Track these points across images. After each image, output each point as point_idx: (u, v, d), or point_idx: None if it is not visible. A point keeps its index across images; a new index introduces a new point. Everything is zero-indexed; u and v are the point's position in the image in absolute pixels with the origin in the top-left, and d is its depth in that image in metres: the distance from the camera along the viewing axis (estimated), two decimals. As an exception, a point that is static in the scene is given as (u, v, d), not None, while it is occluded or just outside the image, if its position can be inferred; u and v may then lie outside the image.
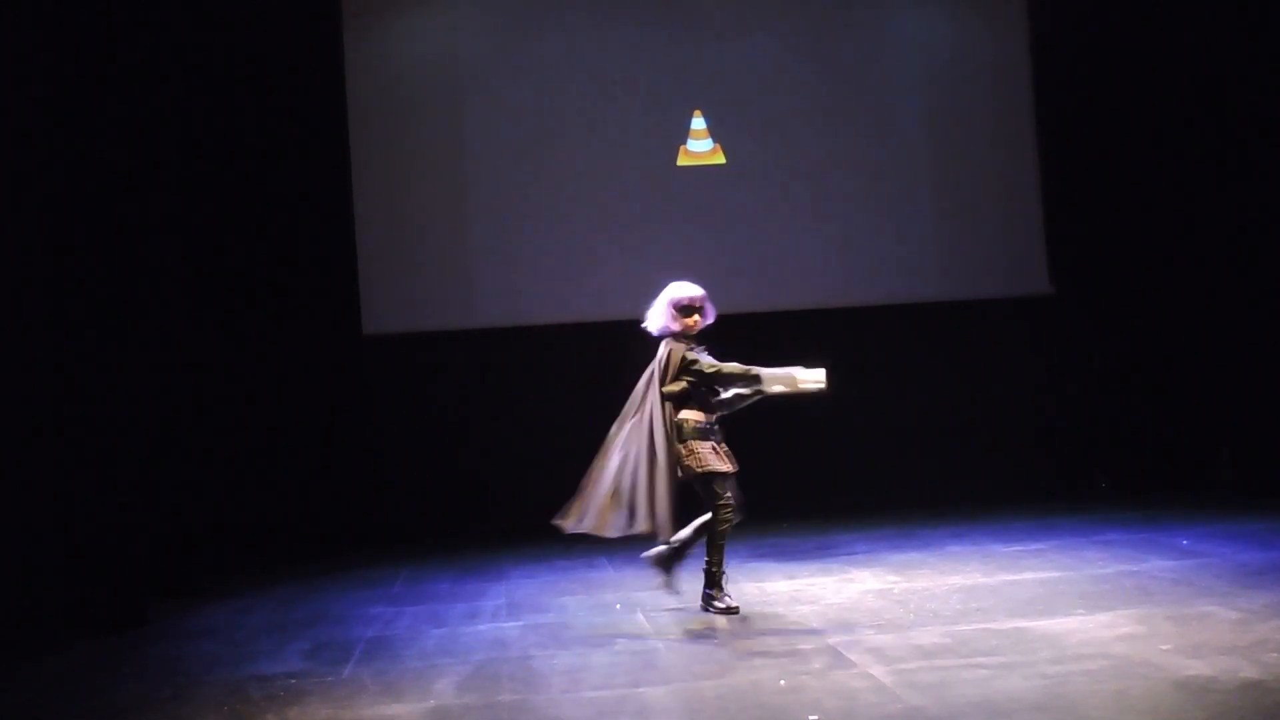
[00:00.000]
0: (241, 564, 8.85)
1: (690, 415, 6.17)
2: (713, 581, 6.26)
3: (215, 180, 9.58)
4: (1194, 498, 9.36)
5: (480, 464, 10.11)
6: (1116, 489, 10.14)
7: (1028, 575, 6.79)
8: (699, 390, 6.19)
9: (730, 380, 6.16)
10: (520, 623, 6.37)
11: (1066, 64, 10.53)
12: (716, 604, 6.24)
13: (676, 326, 6.25)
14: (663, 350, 6.28)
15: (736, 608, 6.21)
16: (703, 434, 6.16)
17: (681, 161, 10.38)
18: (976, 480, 10.18)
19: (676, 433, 6.13)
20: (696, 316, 6.25)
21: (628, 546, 8.64)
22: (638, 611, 6.46)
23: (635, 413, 6.24)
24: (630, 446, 6.15)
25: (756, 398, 6.24)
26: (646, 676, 5.10)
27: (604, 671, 5.23)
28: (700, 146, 10.39)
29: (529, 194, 10.22)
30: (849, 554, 7.68)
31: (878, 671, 4.90)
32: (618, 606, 6.66)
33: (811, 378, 6.04)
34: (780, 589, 6.81)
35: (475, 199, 10.20)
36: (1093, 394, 10.52)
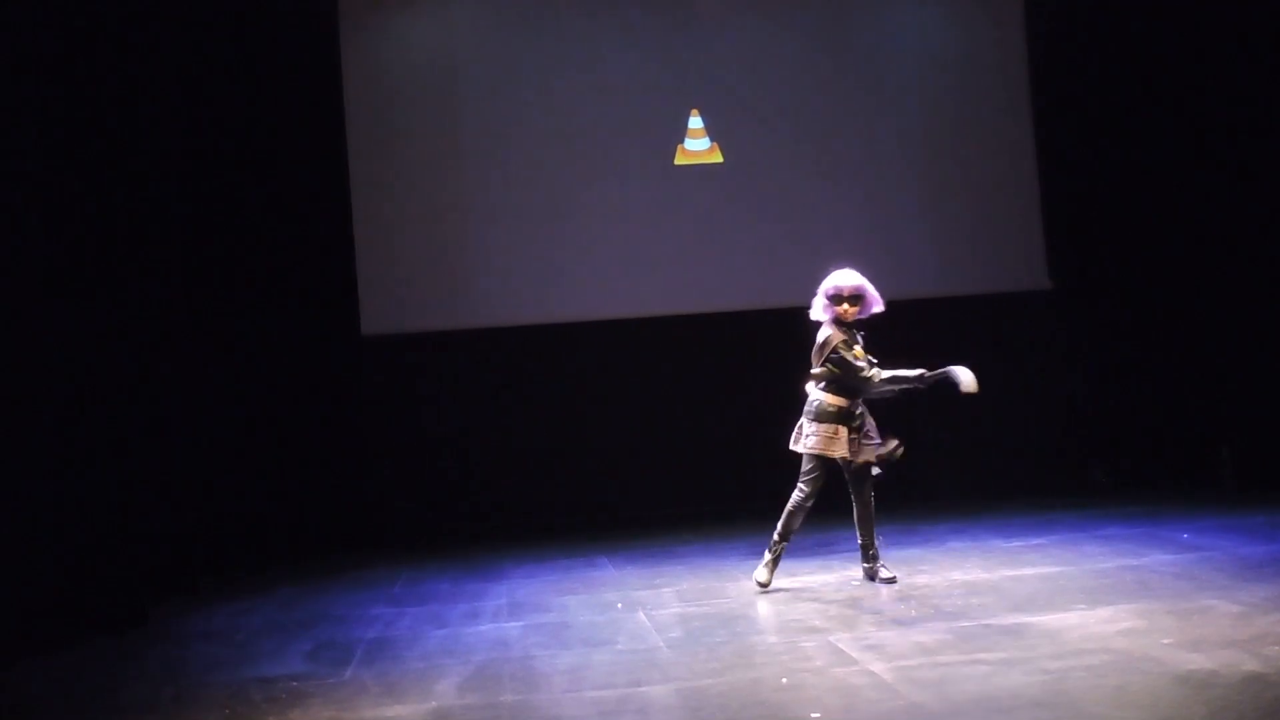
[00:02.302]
0: (241, 564, 8.84)
1: (829, 398, 6.55)
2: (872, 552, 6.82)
3: (213, 181, 9.55)
4: (1194, 492, 9.35)
5: (480, 464, 10.10)
6: (1116, 484, 10.12)
7: (1028, 571, 6.79)
8: (841, 376, 6.51)
9: (872, 385, 6.49)
10: (521, 622, 6.36)
11: (1064, 60, 10.52)
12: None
13: (829, 314, 6.59)
14: (820, 333, 6.58)
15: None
16: (837, 417, 6.53)
17: (679, 160, 10.37)
18: (976, 476, 10.16)
19: (813, 411, 6.55)
20: (846, 305, 6.55)
21: (627, 545, 8.68)
22: (639, 610, 6.46)
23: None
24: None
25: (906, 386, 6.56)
26: (648, 675, 5.09)
27: (606, 671, 5.23)
28: (698, 145, 10.38)
29: (527, 194, 10.21)
30: (850, 551, 7.65)
31: (879, 668, 4.90)
32: (619, 605, 6.66)
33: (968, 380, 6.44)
34: (782, 586, 6.81)
35: (473, 199, 10.18)
36: (1093, 389, 10.50)
